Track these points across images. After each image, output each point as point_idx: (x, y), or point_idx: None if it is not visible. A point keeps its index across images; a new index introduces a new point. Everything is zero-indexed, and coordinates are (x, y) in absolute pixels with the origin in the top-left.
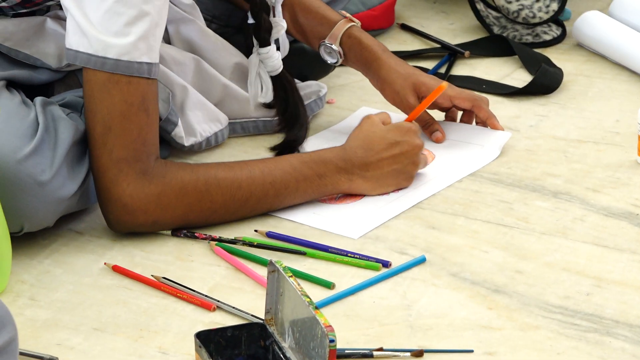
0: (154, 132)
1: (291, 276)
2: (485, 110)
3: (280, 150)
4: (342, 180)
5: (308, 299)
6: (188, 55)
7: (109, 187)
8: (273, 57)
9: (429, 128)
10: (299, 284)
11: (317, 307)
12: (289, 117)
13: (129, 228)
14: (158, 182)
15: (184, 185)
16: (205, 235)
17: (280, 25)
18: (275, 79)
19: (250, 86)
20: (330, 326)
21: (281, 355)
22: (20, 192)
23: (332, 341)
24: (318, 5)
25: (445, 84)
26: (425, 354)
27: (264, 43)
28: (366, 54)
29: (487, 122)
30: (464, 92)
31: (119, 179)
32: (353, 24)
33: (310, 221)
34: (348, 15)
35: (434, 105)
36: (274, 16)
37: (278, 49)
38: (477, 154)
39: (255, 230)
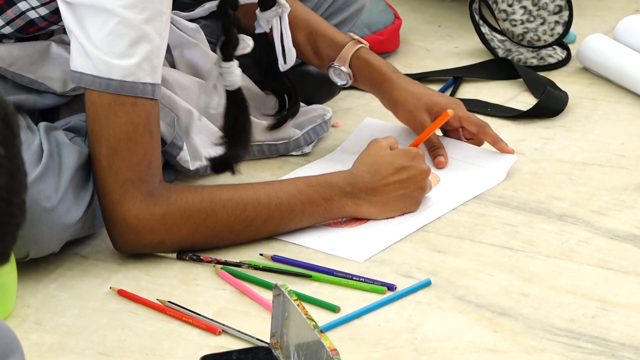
0: (157, 154)
1: (296, 300)
2: (492, 135)
3: (215, 163)
4: (349, 204)
5: (313, 323)
6: (192, 79)
7: (114, 208)
8: (233, 73)
9: (434, 151)
10: (304, 308)
11: (322, 331)
12: (235, 134)
13: (134, 249)
14: (163, 202)
15: (189, 206)
16: (211, 258)
17: (246, 42)
18: (230, 94)
19: (205, 95)
20: (335, 350)
21: None
22: (27, 220)
23: None
24: (326, 27)
25: (451, 111)
26: None
27: (228, 58)
28: (376, 75)
29: (495, 146)
30: (473, 116)
31: (125, 200)
32: (362, 45)
33: (316, 245)
34: (356, 37)
35: (443, 125)
36: (282, 28)
37: (276, 57)
38: (482, 177)
39: (261, 254)
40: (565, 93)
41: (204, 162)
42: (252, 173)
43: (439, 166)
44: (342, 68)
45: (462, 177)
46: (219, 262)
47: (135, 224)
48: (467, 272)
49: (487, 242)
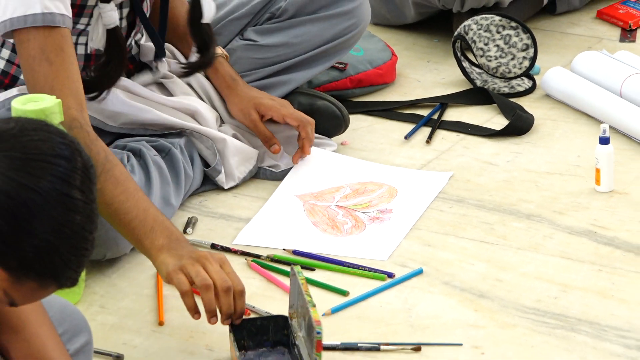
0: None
1: (302, 279)
2: (307, 132)
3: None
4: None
5: (309, 298)
6: (206, 107)
7: None
8: (109, 15)
9: (268, 141)
10: (306, 286)
11: (314, 305)
12: (111, 68)
13: None
14: None
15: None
16: (237, 249)
17: None
18: (109, 32)
19: (90, 32)
20: (318, 321)
21: (296, 343)
22: (103, 229)
23: (318, 333)
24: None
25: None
26: (424, 348)
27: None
28: (219, 82)
29: (300, 142)
30: (296, 112)
31: None
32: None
33: (337, 250)
34: (220, 51)
35: (271, 120)
36: None
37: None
38: (429, 181)
39: (284, 249)
40: (531, 115)
41: (237, 181)
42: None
43: (275, 152)
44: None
45: (414, 184)
46: (250, 254)
47: None
48: (452, 262)
49: (468, 238)
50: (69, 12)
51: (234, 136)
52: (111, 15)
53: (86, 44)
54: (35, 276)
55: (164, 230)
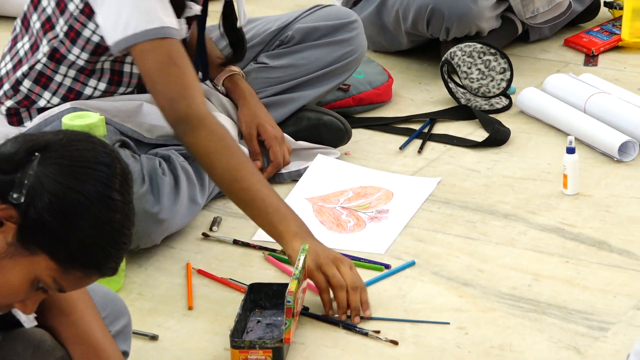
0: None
1: (304, 253)
2: (274, 151)
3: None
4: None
5: (296, 272)
6: (229, 121)
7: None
8: (181, 29)
9: (254, 157)
10: (298, 261)
11: (296, 278)
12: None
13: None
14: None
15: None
16: (256, 244)
17: (192, 8)
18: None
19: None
20: (291, 291)
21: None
22: (138, 221)
23: (288, 302)
24: (215, 53)
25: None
26: (417, 326)
27: (178, 16)
28: (238, 95)
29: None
30: (277, 150)
31: None
32: (235, 73)
33: (341, 245)
34: (235, 68)
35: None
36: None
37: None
38: (420, 186)
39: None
40: (508, 129)
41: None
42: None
43: (257, 167)
44: (218, 87)
45: (407, 187)
46: (266, 248)
47: None
48: (440, 255)
49: (454, 234)
50: (178, 26)
51: None
52: (180, 29)
53: None
54: (80, 267)
55: (296, 220)
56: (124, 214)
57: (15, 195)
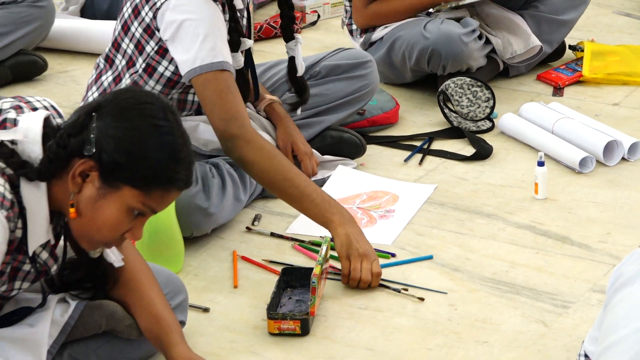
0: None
1: (327, 244)
2: (305, 164)
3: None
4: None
5: (320, 258)
6: (273, 142)
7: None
8: (238, 60)
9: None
10: (323, 249)
11: (319, 264)
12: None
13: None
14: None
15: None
16: (288, 237)
17: (246, 43)
18: (238, 71)
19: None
20: (315, 274)
21: None
22: (192, 214)
23: (313, 282)
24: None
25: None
26: (416, 307)
27: (234, 50)
28: (275, 117)
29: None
30: (300, 149)
31: None
32: (274, 101)
33: None
34: (275, 97)
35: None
36: (298, 52)
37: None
38: (420, 191)
39: (320, 237)
40: (491, 146)
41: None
42: None
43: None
44: (260, 112)
45: (409, 191)
46: (295, 239)
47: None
48: (436, 246)
49: (446, 230)
50: (232, 61)
51: None
52: (239, 59)
53: None
54: (158, 186)
55: (341, 210)
56: (175, 134)
57: (88, 148)
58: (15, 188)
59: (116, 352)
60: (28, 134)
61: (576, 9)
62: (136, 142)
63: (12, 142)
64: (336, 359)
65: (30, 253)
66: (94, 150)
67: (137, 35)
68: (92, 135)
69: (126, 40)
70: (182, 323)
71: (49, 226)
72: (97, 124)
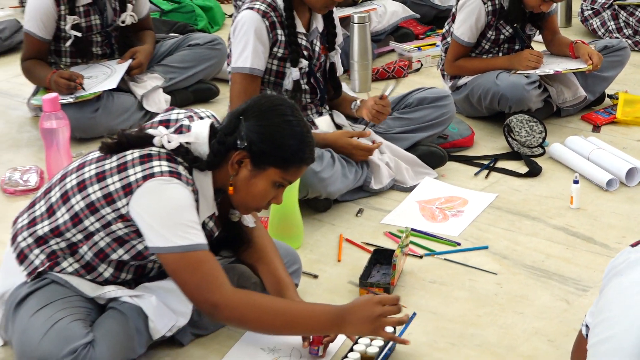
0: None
1: (407, 235)
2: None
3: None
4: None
5: (401, 244)
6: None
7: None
8: (295, 73)
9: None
10: (403, 237)
11: (399, 247)
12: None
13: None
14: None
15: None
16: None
17: (303, 62)
18: (294, 82)
19: (285, 80)
20: (396, 255)
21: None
22: (307, 176)
23: (393, 260)
24: (345, 97)
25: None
26: (472, 275)
27: (293, 65)
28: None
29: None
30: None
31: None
32: (359, 99)
33: (433, 230)
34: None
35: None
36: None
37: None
38: (484, 198)
39: (406, 227)
40: (540, 167)
41: (384, 184)
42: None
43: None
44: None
45: (477, 198)
46: (387, 229)
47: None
48: (490, 239)
49: (501, 228)
50: (261, 68)
51: (387, 164)
52: (296, 74)
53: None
54: (293, 164)
55: (329, 312)
56: (301, 125)
57: (240, 142)
58: (190, 175)
59: None
60: (199, 137)
61: (615, 69)
62: (275, 134)
63: (187, 143)
64: None
65: (201, 222)
66: (246, 144)
67: None
68: (242, 133)
69: None
70: (296, 285)
71: (214, 202)
72: (245, 124)
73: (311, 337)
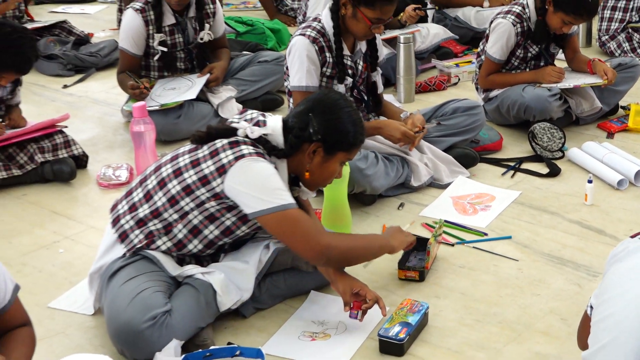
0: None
1: (440, 226)
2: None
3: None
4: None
5: (435, 234)
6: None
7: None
8: (339, 87)
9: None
10: (436, 227)
11: (434, 237)
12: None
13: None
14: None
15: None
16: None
17: (347, 80)
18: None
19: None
20: (430, 242)
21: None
22: (353, 172)
23: (427, 247)
24: (392, 108)
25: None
26: (496, 268)
27: (340, 82)
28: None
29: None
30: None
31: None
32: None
33: (465, 222)
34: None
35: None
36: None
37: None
38: (509, 195)
39: (440, 219)
40: (560, 168)
41: (423, 182)
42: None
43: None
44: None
45: (503, 195)
46: (423, 220)
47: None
48: (513, 230)
49: (523, 221)
50: (315, 84)
51: (425, 164)
52: (342, 89)
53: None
54: (355, 146)
55: (385, 237)
56: (356, 114)
57: (314, 135)
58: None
59: (298, 280)
60: (275, 130)
61: (628, 84)
62: (340, 126)
63: (265, 134)
64: (440, 297)
65: None
66: (320, 137)
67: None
68: (315, 127)
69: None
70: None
71: (287, 186)
72: (315, 119)
73: (351, 302)
